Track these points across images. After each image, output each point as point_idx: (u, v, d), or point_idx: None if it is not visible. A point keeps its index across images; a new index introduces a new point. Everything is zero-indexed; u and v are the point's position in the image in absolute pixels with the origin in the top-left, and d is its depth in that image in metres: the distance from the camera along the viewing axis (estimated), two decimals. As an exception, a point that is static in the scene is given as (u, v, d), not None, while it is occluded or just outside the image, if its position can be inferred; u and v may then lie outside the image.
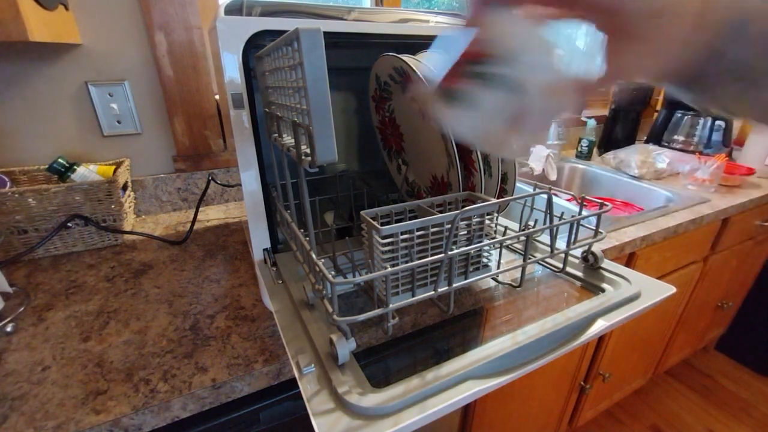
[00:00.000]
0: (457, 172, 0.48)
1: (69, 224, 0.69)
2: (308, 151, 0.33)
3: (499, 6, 0.24)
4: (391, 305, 0.36)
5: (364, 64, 0.59)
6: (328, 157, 0.31)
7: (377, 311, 0.36)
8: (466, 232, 0.43)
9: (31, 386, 0.42)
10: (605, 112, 1.44)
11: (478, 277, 0.44)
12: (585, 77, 0.23)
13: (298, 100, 0.32)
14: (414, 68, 0.47)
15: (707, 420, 1.39)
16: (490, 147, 0.38)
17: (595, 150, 1.42)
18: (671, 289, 0.46)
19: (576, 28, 0.27)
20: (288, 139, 0.40)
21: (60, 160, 0.71)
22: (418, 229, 0.39)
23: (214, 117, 0.90)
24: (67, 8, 0.70)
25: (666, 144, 1.42)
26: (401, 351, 0.41)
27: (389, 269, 0.35)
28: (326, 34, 0.28)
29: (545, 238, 0.57)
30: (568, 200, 0.97)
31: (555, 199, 0.77)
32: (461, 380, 0.34)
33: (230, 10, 0.44)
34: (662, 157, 1.17)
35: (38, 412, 0.39)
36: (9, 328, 0.51)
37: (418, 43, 0.57)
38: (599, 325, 0.41)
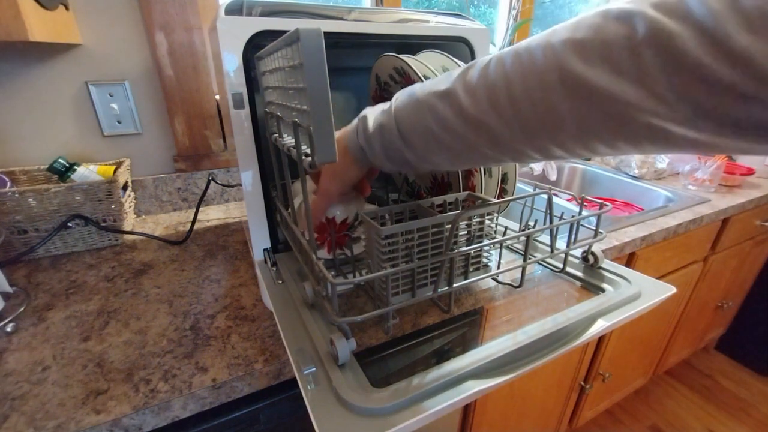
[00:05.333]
0: (457, 172, 0.48)
1: (69, 224, 0.69)
2: (308, 151, 0.33)
3: None
4: (391, 305, 0.36)
5: (364, 64, 0.59)
6: (328, 157, 0.31)
7: (377, 311, 0.36)
8: (466, 232, 0.43)
9: (32, 386, 0.42)
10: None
11: (478, 278, 0.44)
12: None
13: (299, 100, 0.32)
14: (414, 68, 0.47)
15: (707, 420, 1.39)
16: None
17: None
18: (671, 289, 0.46)
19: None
20: (288, 139, 0.40)
21: (60, 160, 0.71)
22: (418, 230, 0.39)
23: (214, 117, 0.91)
24: (67, 8, 0.70)
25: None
26: (401, 351, 0.41)
27: (389, 269, 0.35)
28: (326, 34, 0.28)
29: (545, 238, 0.57)
30: (568, 200, 0.98)
31: (555, 199, 0.77)
32: (461, 380, 0.34)
33: (230, 10, 0.44)
34: (662, 157, 1.17)
35: (38, 412, 0.39)
36: (9, 328, 0.51)
37: (418, 43, 0.57)
38: (599, 325, 0.41)
